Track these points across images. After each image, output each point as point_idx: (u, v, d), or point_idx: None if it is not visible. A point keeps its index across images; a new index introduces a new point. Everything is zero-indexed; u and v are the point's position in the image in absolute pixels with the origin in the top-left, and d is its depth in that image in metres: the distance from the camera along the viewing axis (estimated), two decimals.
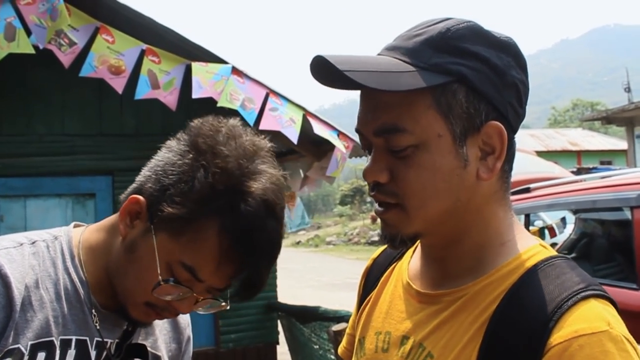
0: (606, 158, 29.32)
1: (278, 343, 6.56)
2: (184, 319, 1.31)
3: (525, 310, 0.84)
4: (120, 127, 5.32)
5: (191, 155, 1.03)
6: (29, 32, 4.29)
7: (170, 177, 1.02)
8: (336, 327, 2.72)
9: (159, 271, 1.02)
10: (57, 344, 1.05)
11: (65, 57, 4.36)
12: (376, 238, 30.70)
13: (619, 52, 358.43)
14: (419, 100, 0.87)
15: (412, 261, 1.08)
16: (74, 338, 1.07)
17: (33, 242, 1.10)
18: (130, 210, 1.07)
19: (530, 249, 0.93)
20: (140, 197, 1.06)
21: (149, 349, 1.18)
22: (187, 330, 1.31)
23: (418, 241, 1.04)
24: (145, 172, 1.10)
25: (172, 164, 1.04)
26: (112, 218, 1.16)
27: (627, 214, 4.16)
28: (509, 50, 0.92)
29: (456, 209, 0.91)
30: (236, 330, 6.25)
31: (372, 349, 1.05)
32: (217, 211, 1.00)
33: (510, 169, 0.96)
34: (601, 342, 0.78)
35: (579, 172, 9.31)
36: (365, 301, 1.14)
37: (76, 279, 1.09)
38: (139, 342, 1.17)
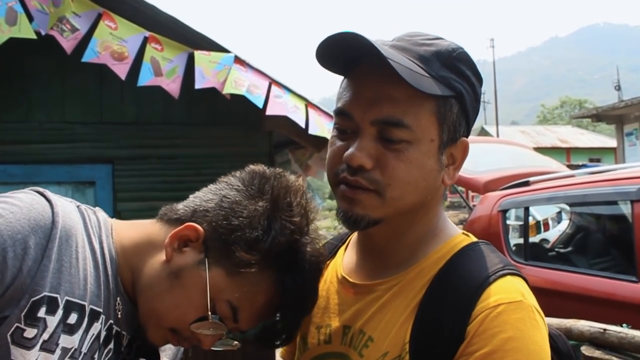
0: (595, 155, 29.59)
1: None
2: None
3: (452, 289, 0.96)
4: (121, 115, 5.28)
5: (266, 205, 1.03)
6: (30, 18, 4.26)
7: (240, 219, 1.01)
8: None
9: (209, 307, 1.00)
10: (87, 311, 0.99)
11: (68, 43, 4.32)
12: None
13: (608, 50, 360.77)
14: (425, 105, 0.97)
15: (345, 257, 1.17)
16: (102, 312, 1.02)
17: (78, 205, 1.07)
18: (183, 235, 1.04)
19: (455, 237, 1.06)
20: (199, 228, 1.03)
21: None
22: None
23: (350, 237, 1.18)
24: (202, 202, 1.07)
25: (243, 206, 1.03)
26: (146, 224, 1.12)
27: (626, 208, 4.22)
28: (481, 83, 1.05)
29: (421, 206, 1.02)
30: None
31: (314, 342, 1.12)
32: (279, 266, 1.02)
33: None
34: (516, 310, 0.92)
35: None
36: None
37: (107, 256, 1.05)
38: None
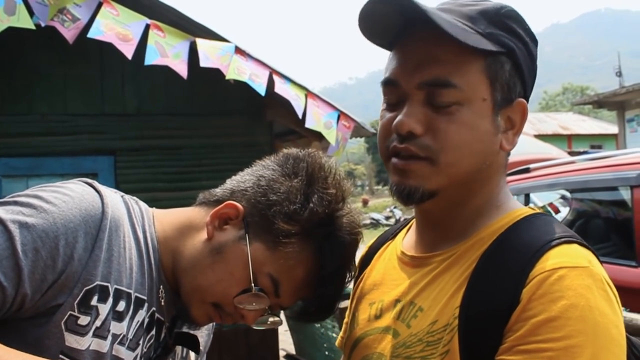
0: (596, 142, 29.47)
1: (281, 323, 6.61)
2: None
3: (509, 252, 0.89)
4: (123, 106, 5.29)
5: (302, 181, 1.07)
6: (30, 11, 4.25)
7: (278, 194, 1.06)
8: (342, 305, 2.75)
9: (251, 279, 1.04)
10: (133, 299, 1.02)
11: (69, 33, 4.31)
12: (367, 221, 30.78)
13: (610, 36, 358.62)
14: (472, 62, 0.92)
15: (406, 237, 1.13)
16: (146, 300, 1.05)
17: (122, 195, 1.10)
18: (223, 214, 1.08)
19: (519, 209, 0.99)
20: (239, 205, 1.08)
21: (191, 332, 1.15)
22: None
23: (412, 222, 1.12)
24: (240, 182, 1.12)
25: (280, 183, 1.07)
26: (186, 209, 1.15)
27: (626, 194, 4.23)
28: (536, 43, 1.00)
29: (479, 172, 0.96)
30: None
31: (364, 318, 1.08)
32: (317, 236, 1.05)
33: None
34: (581, 275, 0.82)
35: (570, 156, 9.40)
36: (359, 280, 1.19)
37: (150, 245, 1.07)
38: (189, 331, 1.14)
